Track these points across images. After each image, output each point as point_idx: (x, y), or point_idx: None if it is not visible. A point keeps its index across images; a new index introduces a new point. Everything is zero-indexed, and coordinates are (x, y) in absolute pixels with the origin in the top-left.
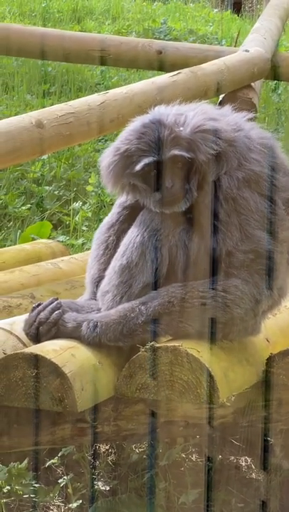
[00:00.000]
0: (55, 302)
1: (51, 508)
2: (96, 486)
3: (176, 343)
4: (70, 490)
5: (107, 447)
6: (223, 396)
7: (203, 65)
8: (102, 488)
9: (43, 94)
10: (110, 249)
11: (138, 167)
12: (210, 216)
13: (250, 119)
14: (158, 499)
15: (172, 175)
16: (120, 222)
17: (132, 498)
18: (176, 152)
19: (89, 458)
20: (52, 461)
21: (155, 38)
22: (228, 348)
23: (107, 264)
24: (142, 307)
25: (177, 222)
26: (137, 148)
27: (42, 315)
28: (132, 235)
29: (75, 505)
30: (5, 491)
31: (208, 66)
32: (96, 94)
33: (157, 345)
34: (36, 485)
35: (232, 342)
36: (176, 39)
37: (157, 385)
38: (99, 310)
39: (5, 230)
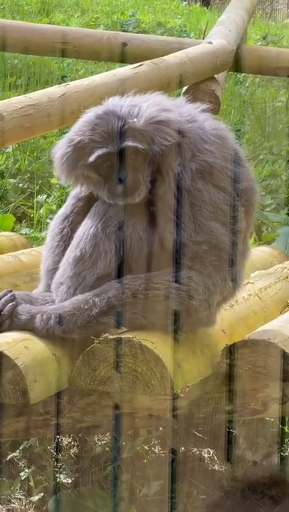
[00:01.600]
0: (9, 294)
1: (13, 501)
2: (58, 479)
3: (130, 335)
4: (31, 483)
5: (70, 440)
6: (177, 387)
7: (166, 57)
8: (64, 480)
9: (9, 87)
10: (65, 240)
11: (91, 158)
12: (165, 208)
13: (205, 110)
14: (120, 491)
15: (126, 166)
16: (75, 214)
17: (94, 490)
18: (129, 143)
19: (51, 451)
20: (13, 454)
21: (123, 31)
22: (182, 339)
23: (61, 255)
24: (96, 299)
25: (132, 214)
26: (91, 140)
27: None
28: (86, 227)
29: (36, 498)
30: None
31: (170, 58)
32: (56, 86)
33: (111, 336)
34: None
35: (188, 333)
36: (144, 32)
37: (110, 376)
38: (53, 302)
39: None
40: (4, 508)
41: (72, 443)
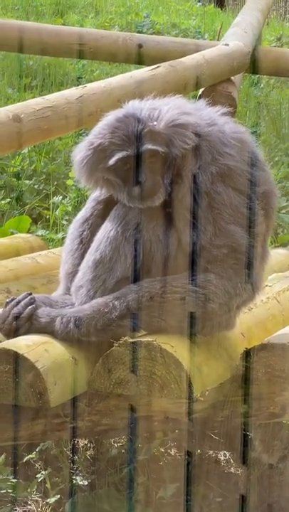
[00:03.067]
0: (29, 297)
1: (29, 503)
2: (74, 481)
3: (150, 338)
4: (48, 485)
5: (86, 442)
6: (197, 391)
7: (183, 59)
8: (80, 482)
9: (24, 88)
10: (84, 243)
11: (111, 161)
12: (184, 211)
13: (224, 114)
14: (136, 494)
15: (146, 169)
16: (94, 217)
17: (110, 492)
18: (150, 147)
19: (67, 453)
20: (30, 456)
21: (138, 32)
22: (202, 342)
23: (81, 258)
24: (116, 302)
25: (151, 217)
26: (111, 143)
27: (15, 310)
28: (106, 230)
29: (53, 500)
30: None
31: (187, 60)
32: (74, 88)
33: (131, 340)
34: (14, 480)
35: (207, 337)
36: (158, 33)
37: (131, 380)
38: (73, 305)
39: None
40: (21, 510)
41: (89, 445)
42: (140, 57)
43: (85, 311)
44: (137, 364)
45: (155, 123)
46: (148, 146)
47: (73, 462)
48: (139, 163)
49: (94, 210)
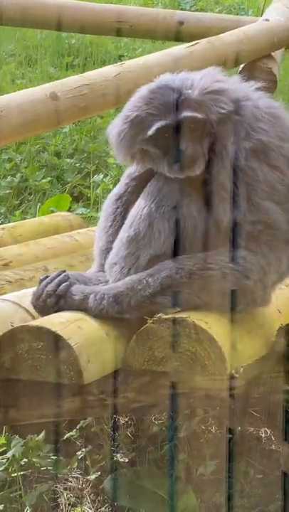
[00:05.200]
0: (63, 274)
1: (70, 480)
2: (115, 458)
3: (183, 315)
4: (88, 462)
5: (127, 419)
6: (232, 367)
7: (222, 35)
8: (121, 460)
9: (66, 67)
10: (118, 220)
11: (150, 132)
12: (218, 187)
13: (259, 88)
14: (177, 471)
15: (185, 138)
16: (128, 193)
17: (151, 469)
18: (188, 114)
19: (108, 430)
20: (70, 433)
21: (181, 9)
22: (237, 319)
23: (115, 235)
24: (150, 279)
25: (186, 193)
26: (147, 114)
27: (49, 287)
28: (140, 206)
29: (93, 477)
30: (22, 463)
31: (226, 36)
32: (111, 65)
33: (165, 316)
34: (54, 457)
35: (242, 313)
36: (202, 10)
37: (165, 356)
38: (107, 282)
39: (26, 203)
40: (61, 487)
41: (130, 422)
42: (180, 35)
43: (119, 288)
44: (171, 341)
45: (189, 91)
46: (186, 113)
47: (114, 439)
48: (177, 131)
49: (128, 186)
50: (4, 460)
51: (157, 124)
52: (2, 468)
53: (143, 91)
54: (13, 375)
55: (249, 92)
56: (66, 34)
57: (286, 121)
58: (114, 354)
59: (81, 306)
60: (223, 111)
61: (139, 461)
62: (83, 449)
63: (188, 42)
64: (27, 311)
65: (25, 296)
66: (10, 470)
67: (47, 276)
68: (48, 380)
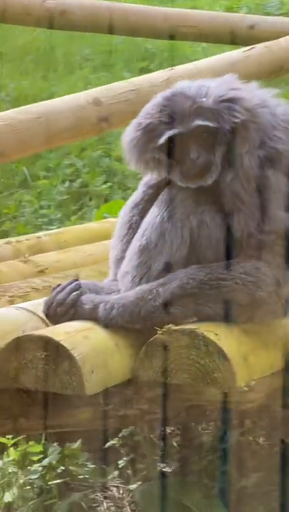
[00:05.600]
0: (74, 283)
1: (111, 488)
2: (158, 468)
3: (193, 326)
4: (130, 471)
5: (173, 428)
6: (241, 381)
7: (280, 40)
8: (164, 469)
9: (141, 72)
10: (133, 228)
11: (161, 140)
12: (232, 196)
13: (277, 95)
14: (220, 482)
15: (197, 146)
16: (145, 202)
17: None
18: (200, 122)
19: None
20: (112, 442)
21: (266, 14)
22: (252, 331)
23: (129, 244)
24: (160, 289)
25: (199, 202)
26: (160, 122)
27: (59, 296)
28: (153, 215)
29: (134, 486)
30: (59, 471)
31: (284, 41)
32: (161, 70)
33: (174, 327)
34: (91, 466)
35: (258, 325)
36: (287, 14)
37: (174, 368)
38: (119, 291)
39: (85, 208)
40: (102, 496)
41: (176, 432)
42: (250, 39)
43: (129, 297)
44: (180, 352)
45: (204, 99)
46: (198, 122)
47: (161, 449)
48: (189, 140)
49: (144, 194)
50: (40, 468)
51: (169, 133)
52: (37, 475)
53: (157, 98)
54: (17, 384)
55: (267, 99)
56: (142, 38)
57: None
58: (124, 365)
59: (91, 316)
60: (236, 120)
61: (183, 472)
62: (124, 458)
63: None
64: (42, 319)
65: (42, 304)
66: (47, 478)
67: (59, 285)
68: (51, 391)
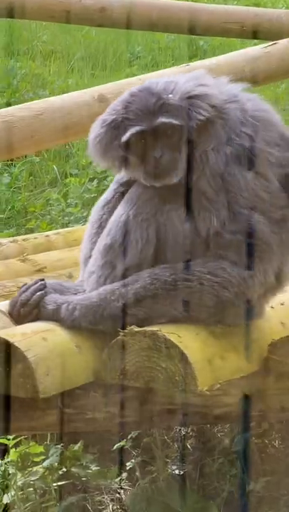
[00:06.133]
0: (39, 283)
1: (118, 491)
2: (169, 470)
3: (155, 328)
4: (138, 473)
5: (188, 430)
6: (204, 384)
7: None
8: (174, 472)
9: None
10: (103, 227)
11: (125, 137)
12: (198, 194)
13: (248, 89)
14: (230, 485)
15: (162, 145)
16: (115, 200)
17: (171, 485)
18: (164, 120)
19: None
20: (121, 443)
21: None
22: (222, 333)
23: None
24: (123, 289)
25: (165, 200)
26: (124, 118)
27: (23, 296)
28: (118, 214)
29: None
30: (60, 473)
31: None
32: (175, 67)
33: (136, 329)
34: (95, 468)
35: (229, 327)
36: None
37: (135, 371)
38: (84, 292)
39: None
40: (108, 498)
41: (191, 433)
42: None
43: (92, 298)
44: (142, 354)
45: (170, 95)
46: (162, 119)
47: (169, 450)
48: (153, 138)
49: (115, 192)
50: (41, 469)
51: (132, 130)
52: (37, 477)
53: (125, 94)
54: None
55: (237, 94)
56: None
57: (274, 125)
58: (85, 367)
59: (54, 317)
60: (201, 117)
61: (193, 474)
62: (132, 460)
63: None
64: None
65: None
66: (48, 479)
67: (25, 285)
68: (8, 393)
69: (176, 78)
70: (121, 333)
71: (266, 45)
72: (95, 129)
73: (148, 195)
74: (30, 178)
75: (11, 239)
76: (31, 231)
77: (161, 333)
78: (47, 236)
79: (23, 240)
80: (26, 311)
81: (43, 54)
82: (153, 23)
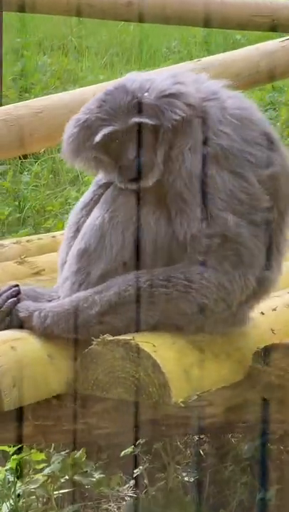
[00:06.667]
0: (12, 289)
1: (126, 498)
2: (179, 478)
3: (128, 337)
4: (146, 480)
5: (202, 436)
6: (179, 396)
7: None
8: (185, 479)
9: None
10: (80, 231)
11: (97, 138)
12: (175, 196)
13: (229, 87)
14: (239, 494)
15: (135, 145)
16: (93, 202)
17: (171, 495)
18: (137, 120)
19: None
20: (129, 449)
21: None
22: (202, 341)
23: None
24: (96, 296)
25: (142, 203)
26: (97, 118)
27: None
28: (94, 217)
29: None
30: (62, 480)
31: None
32: (188, 61)
33: (109, 338)
34: (99, 475)
35: (211, 335)
36: None
37: (108, 381)
38: (59, 298)
39: None
40: (115, 506)
41: (205, 439)
42: None
43: (64, 305)
44: (115, 365)
45: (146, 94)
46: (135, 119)
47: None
48: (127, 138)
49: (94, 194)
50: (42, 477)
51: (104, 130)
52: (38, 485)
53: (101, 92)
54: None
55: (218, 91)
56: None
57: (255, 123)
58: (58, 377)
59: (26, 325)
60: (176, 117)
61: (203, 482)
62: (140, 467)
63: None
64: None
65: None
66: (49, 488)
67: None
68: None
69: (154, 76)
70: (94, 342)
71: (283, 39)
72: (69, 129)
73: (124, 197)
74: (51, 176)
75: (14, 240)
76: (48, 230)
77: (134, 342)
78: (53, 237)
79: (27, 241)
80: None
81: (78, 49)
82: (181, 18)
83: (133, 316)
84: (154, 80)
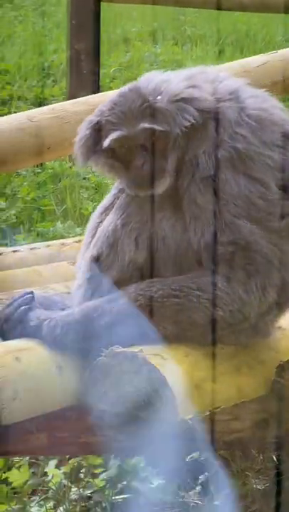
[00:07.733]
0: (25, 297)
1: (192, 505)
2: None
3: (137, 349)
4: (212, 488)
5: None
6: (187, 412)
7: None
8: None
9: None
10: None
11: (106, 142)
12: (189, 202)
13: (250, 84)
14: None
15: (145, 151)
16: (113, 206)
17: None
18: (146, 125)
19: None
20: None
21: None
22: (218, 353)
23: None
24: (106, 306)
25: (156, 209)
26: (107, 121)
27: (7, 311)
28: (107, 222)
29: (216, 503)
30: (120, 486)
31: None
32: (261, 55)
33: (117, 350)
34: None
35: (232, 347)
36: None
37: (115, 395)
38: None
39: None
40: None
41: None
42: None
43: (74, 315)
44: (123, 378)
45: (159, 97)
46: (145, 124)
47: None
48: (136, 144)
49: (114, 198)
50: (100, 481)
51: (113, 135)
52: (92, 490)
53: (116, 93)
54: None
55: (239, 90)
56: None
57: (276, 124)
58: (66, 389)
59: (36, 334)
60: (186, 123)
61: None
62: (206, 473)
63: None
64: None
65: None
66: (107, 493)
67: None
68: None
69: (171, 76)
70: (102, 354)
71: None
72: (81, 130)
73: (138, 202)
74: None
75: (77, 239)
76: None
77: (141, 355)
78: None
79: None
80: (9, 326)
81: (192, 39)
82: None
83: (145, 326)
84: (169, 81)
